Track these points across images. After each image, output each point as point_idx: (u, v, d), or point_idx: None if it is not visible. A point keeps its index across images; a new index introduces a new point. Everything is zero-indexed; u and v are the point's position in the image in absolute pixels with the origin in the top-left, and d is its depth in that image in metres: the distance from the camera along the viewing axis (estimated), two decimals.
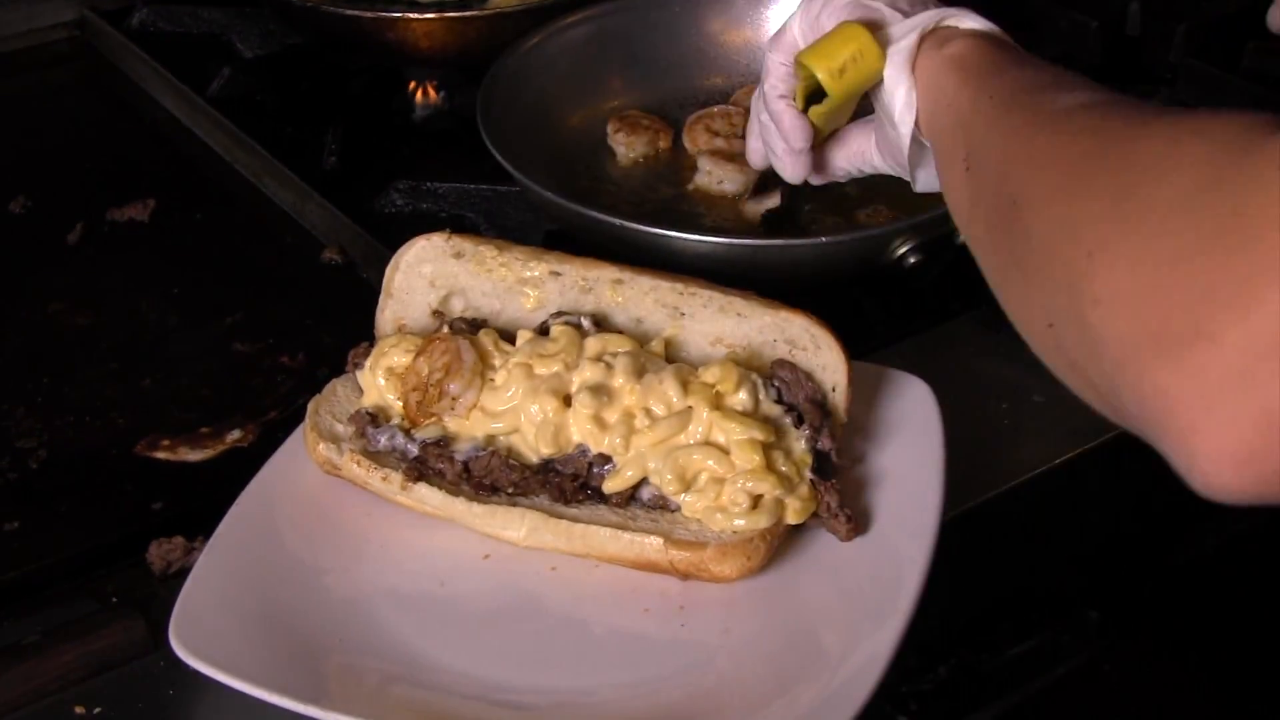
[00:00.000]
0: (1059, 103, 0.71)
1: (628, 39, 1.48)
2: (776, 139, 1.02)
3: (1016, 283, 0.71)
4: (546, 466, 1.01)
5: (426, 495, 1.01)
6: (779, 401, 1.02)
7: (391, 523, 1.03)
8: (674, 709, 0.90)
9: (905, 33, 0.91)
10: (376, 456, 1.03)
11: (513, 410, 1.02)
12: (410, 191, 1.40)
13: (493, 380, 1.02)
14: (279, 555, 0.99)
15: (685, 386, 1.00)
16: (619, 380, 1.01)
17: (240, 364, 1.23)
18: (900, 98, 0.90)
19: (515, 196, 1.36)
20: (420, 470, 1.02)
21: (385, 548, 1.01)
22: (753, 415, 1.00)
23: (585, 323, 1.05)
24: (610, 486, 1.00)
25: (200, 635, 0.92)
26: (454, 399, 1.01)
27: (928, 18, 0.91)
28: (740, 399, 1.00)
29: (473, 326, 1.06)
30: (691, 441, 0.99)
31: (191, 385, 1.21)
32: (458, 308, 1.09)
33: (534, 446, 1.01)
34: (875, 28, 0.95)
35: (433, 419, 1.03)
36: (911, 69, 0.90)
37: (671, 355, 1.06)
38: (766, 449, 0.98)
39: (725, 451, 0.98)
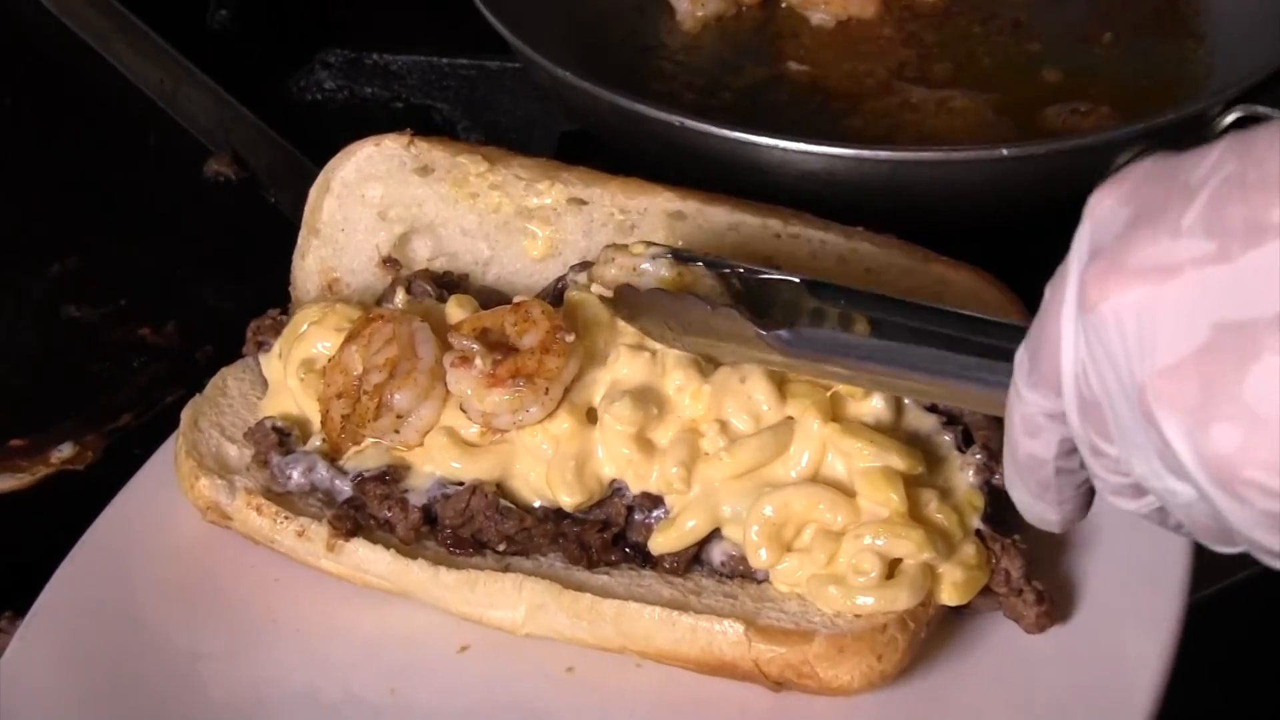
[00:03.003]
0: None
1: None
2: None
3: None
4: (559, 510, 1.00)
5: (366, 558, 1.00)
6: (932, 409, 1.00)
7: (312, 596, 1.02)
8: None
9: None
10: (287, 499, 1.03)
11: (499, 444, 1.01)
12: (346, 67, 1.39)
13: None
14: (134, 642, 0.98)
15: (781, 387, 0.97)
16: (674, 378, 0.99)
17: (74, 337, 1.23)
18: None
19: (514, 77, 1.35)
20: (356, 520, 1.01)
21: (302, 634, 1.00)
22: (890, 431, 0.98)
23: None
24: (662, 543, 0.98)
25: None
26: (399, 416, 1.00)
27: None
28: (872, 406, 0.98)
29: (444, 286, 1.05)
30: (792, 473, 0.96)
31: None
32: (422, 254, 1.09)
33: (541, 491, 1.01)
34: None
35: (366, 444, 1.02)
36: None
37: None
38: (910, 484, 0.96)
39: (846, 490, 0.96)
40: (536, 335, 0.98)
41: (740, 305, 0.94)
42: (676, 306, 0.94)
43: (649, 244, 0.99)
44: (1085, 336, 0.71)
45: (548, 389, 0.97)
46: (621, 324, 1.01)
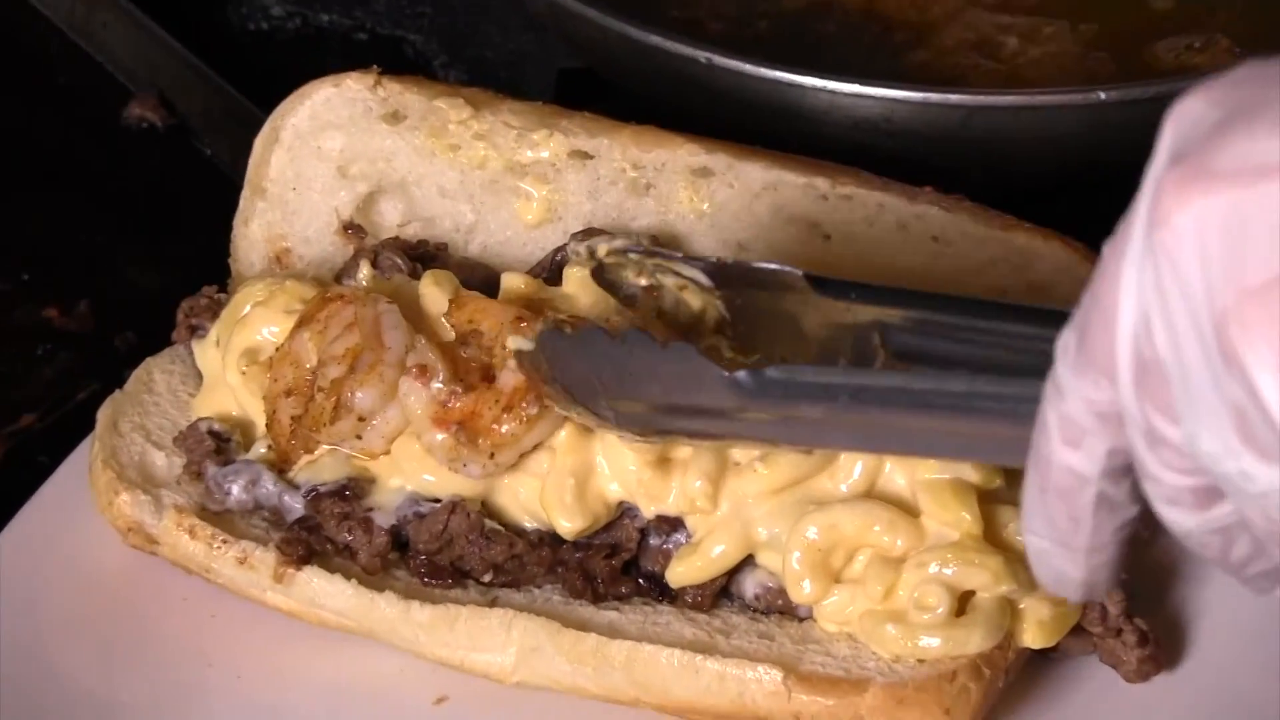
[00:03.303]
0: None
1: None
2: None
3: None
4: (556, 534, 1.00)
5: (322, 591, 1.00)
6: None
7: (256, 636, 1.02)
8: None
9: None
10: (226, 519, 1.03)
11: None
12: None
13: None
14: (41, 690, 0.98)
15: None
16: None
17: None
18: None
19: (502, 2, 1.35)
20: (309, 545, 1.01)
21: (243, 681, 1.00)
22: None
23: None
24: (683, 573, 0.98)
25: None
26: (361, 419, 1.00)
27: None
28: None
29: (417, 258, 1.06)
30: (842, 488, 0.96)
31: None
32: (391, 219, 1.09)
33: (535, 511, 1.01)
34: None
35: (322, 452, 1.02)
36: None
37: None
38: (985, 501, 0.95)
39: (908, 508, 0.95)
40: (514, 377, 0.97)
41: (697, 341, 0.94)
42: (615, 349, 0.92)
43: (613, 235, 0.99)
44: (1154, 268, 0.69)
45: (493, 454, 0.96)
46: (628, 318, 1.00)
